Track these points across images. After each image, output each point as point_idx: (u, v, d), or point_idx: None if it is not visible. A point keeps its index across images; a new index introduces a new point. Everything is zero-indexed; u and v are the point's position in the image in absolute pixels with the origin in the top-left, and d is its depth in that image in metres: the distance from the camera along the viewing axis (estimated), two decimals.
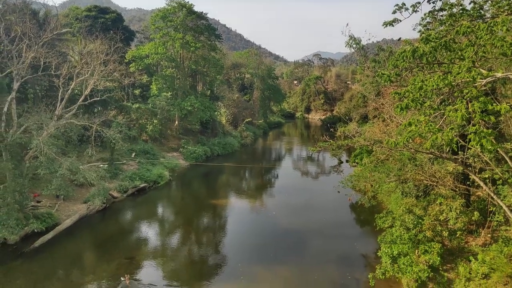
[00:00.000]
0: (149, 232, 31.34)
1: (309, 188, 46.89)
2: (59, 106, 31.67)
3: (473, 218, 21.54)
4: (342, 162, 58.05)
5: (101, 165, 41.13)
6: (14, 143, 27.32)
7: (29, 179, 29.07)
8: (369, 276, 20.05)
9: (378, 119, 44.23)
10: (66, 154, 31.98)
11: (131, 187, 40.22)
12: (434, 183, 23.28)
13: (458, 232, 21.53)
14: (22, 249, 25.58)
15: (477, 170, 20.41)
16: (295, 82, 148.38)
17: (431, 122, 9.85)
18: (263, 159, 67.26)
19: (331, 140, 23.97)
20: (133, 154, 48.90)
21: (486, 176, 19.84)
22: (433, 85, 10.19)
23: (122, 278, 22.16)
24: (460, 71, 9.97)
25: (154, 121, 55.25)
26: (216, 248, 28.08)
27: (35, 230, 27.77)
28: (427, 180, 23.50)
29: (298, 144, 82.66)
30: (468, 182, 22.94)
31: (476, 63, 11.11)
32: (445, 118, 12.05)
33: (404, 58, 11.54)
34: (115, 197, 37.90)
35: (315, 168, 60.85)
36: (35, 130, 28.40)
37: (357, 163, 48.09)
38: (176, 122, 62.61)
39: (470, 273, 18.48)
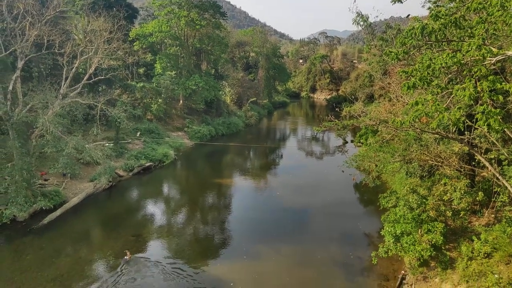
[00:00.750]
0: (155, 210, 31.79)
1: (313, 168, 47.02)
2: (64, 84, 31.62)
3: (477, 198, 21.54)
4: (347, 142, 57.92)
5: (107, 144, 41.42)
6: (20, 121, 27.48)
7: (36, 158, 29.38)
8: (372, 255, 20.32)
9: (384, 98, 43.80)
10: (72, 133, 32.19)
11: (137, 166, 40.57)
12: (439, 164, 23.20)
13: (462, 212, 21.60)
14: (31, 226, 26.12)
15: (483, 151, 20.27)
16: (301, 61, 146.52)
17: (438, 101, 9.71)
18: (268, 139, 67.24)
19: (336, 120, 23.82)
20: (138, 133, 49.09)
21: (492, 156, 19.72)
22: (442, 64, 9.99)
23: (125, 257, 22.71)
24: (469, 49, 9.74)
25: (159, 100, 55.13)
26: (220, 227, 28.47)
27: (43, 208, 28.28)
28: (432, 161, 23.41)
29: (303, 124, 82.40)
30: (473, 163, 22.84)
31: (486, 41, 10.85)
32: (453, 97, 11.89)
33: (413, 35, 11.28)
34: (121, 176, 38.30)
35: (319, 148, 60.81)
36: (40, 109, 28.48)
37: (362, 143, 47.96)
38: (181, 102, 62.45)
39: (473, 252, 18.64)
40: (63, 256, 22.69)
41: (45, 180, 32.65)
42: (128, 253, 22.60)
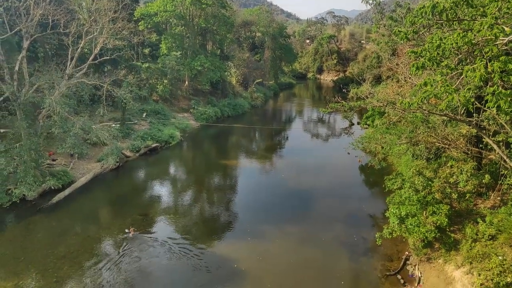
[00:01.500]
0: (161, 190, 32.15)
1: (319, 150, 46.99)
2: (70, 65, 31.56)
3: (483, 181, 21.48)
4: (353, 124, 57.60)
5: (113, 125, 41.60)
6: (27, 102, 27.62)
7: (43, 138, 29.63)
8: (376, 236, 20.47)
9: (392, 80, 43.23)
10: (78, 113, 32.30)
11: (143, 147, 40.82)
12: (446, 146, 23.06)
13: (468, 195, 21.58)
14: (40, 205, 26.60)
15: (491, 133, 20.06)
16: (307, 41, 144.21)
17: (448, 82, 9.54)
18: (274, 121, 67.05)
19: (343, 102, 23.63)
20: (144, 114, 49.17)
21: (500, 139, 19.51)
22: (452, 43, 9.77)
23: (126, 230, 23.42)
24: (481, 28, 9.49)
25: (164, 81, 54.92)
26: (226, 207, 28.78)
27: (52, 187, 28.72)
28: (439, 143, 23.26)
29: (309, 106, 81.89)
30: (481, 145, 22.65)
31: (499, 20, 10.55)
32: (462, 78, 11.67)
33: (423, 14, 11.00)
34: (128, 156, 38.61)
35: (325, 130, 60.58)
36: (47, 90, 28.55)
37: (368, 125, 47.69)
38: (186, 83, 62.18)
39: (477, 234, 18.71)
40: (72, 234, 23.17)
41: (53, 160, 33.03)
42: (131, 229, 23.12)
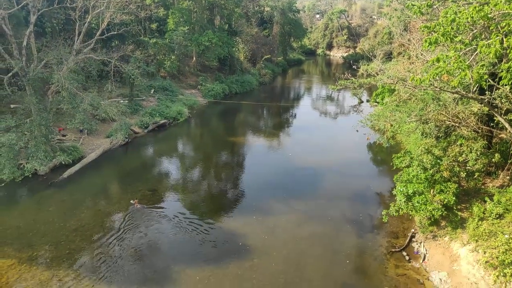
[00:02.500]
0: (170, 166, 32.50)
1: (327, 127, 46.77)
2: (77, 40, 31.39)
3: (493, 159, 21.26)
4: (362, 102, 56.98)
5: (121, 101, 41.73)
6: (36, 77, 27.71)
7: (53, 114, 29.89)
8: (382, 213, 20.58)
9: (403, 56, 42.36)
10: (87, 89, 32.40)
11: (152, 123, 41.01)
12: (456, 124, 22.71)
13: (476, 174, 21.44)
14: (52, 180, 27.13)
15: (503, 112, 19.69)
16: (317, 16, 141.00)
17: (461, 58, 9.29)
18: (282, 98, 66.57)
19: (352, 78, 23.26)
20: (152, 91, 49.14)
21: None
22: (467, 18, 9.44)
23: (131, 201, 23.98)
24: (498, 2, 9.14)
25: (172, 57, 54.47)
26: (233, 184, 29.05)
27: (63, 162, 29.17)
28: (449, 121, 22.92)
29: (318, 83, 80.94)
30: (492, 124, 22.30)
31: None
32: (476, 54, 11.37)
33: None
34: (136, 133, 38.89)
35: (334, 107, 60.06)
36: (55, 65, 28.57)
37: (377, 102, 47.11)
38: (194, 59, 61.64)
39: (484, 213, 18.68)
40: (83, 208, 23.68)
41: (63, 135, 33.43)
42: (136, 201, 23.72)
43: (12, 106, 33.69)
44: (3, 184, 25.70)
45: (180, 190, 27.16)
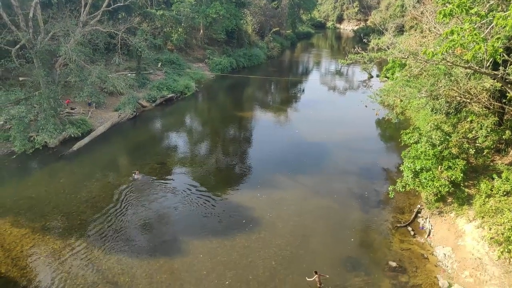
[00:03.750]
0: (177, 140, 32.69)
1: (336, 102, 46.31)
2: (83, 11, 30.97)
3: (503, 136, 20.96)
4: (372, 77, 56.06)
5: (129, 74, 41.60)
6: (43, 50, 27.62)
7: (61, 87, 29.94)
8: (389, 189, 20.64)
9: (416, 30, 41.23)
10: (94, 62, 32.26)
11: (159, 97, 40.98)
12: (468, 100, 22.30)
13: (486, 150, 21.23)
14: (62, 152, 27.54)
15: None
16: None
17: (476, 31, 8.99)
18: (290, 72, 65.74)
19: (363, 52, 22.76)
20: (159, 64, 48.78)
21: None
22: None
23: (133, 172, 24.57)
24: None
25: (179, 29, 53.70)
26: (240, 158, 29.20)
27: (72, 135, 29.49)
28: (460, 97, 22.49)
29: (327, 57, 79.58)
30: (504, 100, 21.83)
31: None
32: (492, 27, 11.00)
33: None
34: (144, 106, 38.96)
35: (343, 82, 59.26)
36: (62, 37, 28.38)
37: (387, 77, 46.33)
38: (201, 31, 60.67)
39: (492, 190, 18.62)
40: (93, 180, 24.10)
41: (72, 109, 33.63)
42: (137, 172, 24.39)
43: (20, 78, 33.81)
44: (14, 156, 26.20)
45: (188, 164, 27.42)
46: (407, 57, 20.19)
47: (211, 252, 17.63)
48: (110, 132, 32.30)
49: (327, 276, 15.85)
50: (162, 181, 24.31)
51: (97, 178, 24.52)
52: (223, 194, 22.90)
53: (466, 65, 17.24)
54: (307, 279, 15.78)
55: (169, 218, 20.39)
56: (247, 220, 20.17)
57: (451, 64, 17.98)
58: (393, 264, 17.13)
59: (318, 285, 15.51)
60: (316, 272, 15.62)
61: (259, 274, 16.32)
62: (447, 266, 16.88)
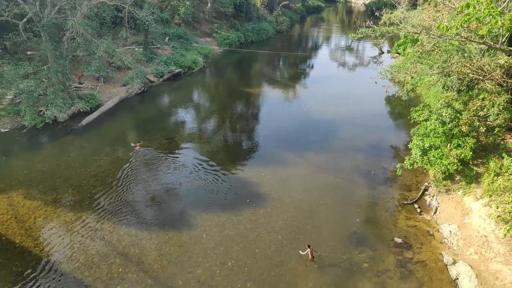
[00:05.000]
0: (185, 116, 32.72)
1: (345, 79, 45.67)
2: None
3: None
4: (383, 53, 54.99)
5: (136, 49, 41.27)
6: (50, 23, 27.40)
7: (69, 61, 29.89)
8: (396, 166, 20.62)
9: (429, 4, 39.91)
10: (101, 36, 32.01)
11: (167, 72, 40.76)
12: (480, 77, 21.80)
13: (497, 129, 20.94)
14: (71, 127, 27.79)
15: None
16: None
17: (493, 4, 8.68)
18: (299, 47, 64.64)
19: (374, 26, 22.22)
20: (167, 38, 48.25)
21: None
22: None
23: (132, 144, 24.94)
24: None
25: (186, 2, 52.72)
26: (248, 134, 29.22)
27: (81, 110, 29.68)
28: (473, 74, 21.99)
29: (338, 32, 77.91)
30: None
31: None
32: (510, 1, 10.60)
33: None
34: (152, 82, 38.85)
35: (353, 58, 58.20)
36: (69, 10, 28.07)
37: (399, 53, 45.40)
38: (209, 5, 59.53)
39: (501, 169, 18.48)
40: (102, 155, 24.39)
41: (80, 83, 33.67)
42: (138, 144, 24.76)
43: (29, 52, 33.78)
44: (25, 130, 26.53)
45: (195, 139, 27.54)
46: (420, 32, 19.70)
47: (218, 226, 17.96)
48: (119, 107, 32.41)
49: (319, 252, 16.23)
50: (171, 156, 24.52)
51: (106, 152, 24.79)
52: (231, 170, 23.08)
53: (480, 41, 16.77)
54: (300, 253, 16.22)
55: (177, 193, 20.70)
56: (254, 196, 20.40)
57: (465, 40, 17.52)
58: (399, 240, 17.32)
59: (310, 258, 15.99)
60: (309, 246, 16.08)
61: (265, 248, 16.65)
62: (452, 243, 17.02)
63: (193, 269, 15.47)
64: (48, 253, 16.09)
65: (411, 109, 23.65)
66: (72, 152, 24.71)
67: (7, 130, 27.11)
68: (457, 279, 15.09)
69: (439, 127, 20.42)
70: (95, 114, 29.93)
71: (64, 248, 16.34)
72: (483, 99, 22.03)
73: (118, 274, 15.08)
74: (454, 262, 15.71)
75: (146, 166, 23.12)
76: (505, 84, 21.68)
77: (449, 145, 20.07)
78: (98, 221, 18.05)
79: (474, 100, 22.69)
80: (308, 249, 15.93)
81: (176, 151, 25.37)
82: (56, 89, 27.67)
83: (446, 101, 21.58)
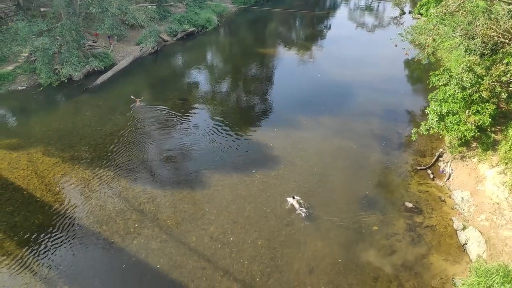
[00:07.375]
0: (199, 76, 32.47)
1: (364, 40, 44.16)
2: None
3: None
4: (404, 13, 52.67)
5: (149, 6, 40.41)
6: None
7: (82, 18, 29.51)
8: (412, 131, 20.33)
9: None
10: None
11: (180, 31, 40.06)
12: (507, 40, 20.77)
13: None
14: (86, 86, 27.97)
15: None
16: None
17: None
18: (316, 6, 62.23)
19: None
20: None
21: None
22: None
23: (132, 97, 25.49)
24: None
25: None
26: (262, 97, 28.94)
27: (95, 69, 29.70)
28: (498, 37, 20.93)
29: None
30: None
31: None
32: None
33: None
34: (166, 41, 38.33)
35: (372, 19, 55.93)
36: None
37: (421, 14, 43.43)
38: None
39: None
40: (117, 113, 24.64)
41: (94, 42, 33.44)
42: (137, 100, 25.27)
43: (42, 9, 33.41)
44: (41, 88, 26.81)
45: (209, 101, 27.46)
46: None
47: (231, 186, 18.30)
48: (132, 67, 32.28)
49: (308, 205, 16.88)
50: (184, 116, 24.61)
51: (121, 111, 25.01)
52: (244, 132, 23.13)
53: (509, 0, 15.82)
54: (286, 208, 16.93)
55: (191, 153, 20.97)
56: (266, 158, 20.55)
57: (492, 0, 16.53)
58: (409, 204, 17.43)
59: (297, 208, 16.76)
60: (293, 197, 16.93)
61: (276, 208, 16.99)
62: (464, 209, 17.05)
63: (206, 226, 15.97)
64: (67, 208, 16.76)
65: (431, 73, 22.92)
66: (88, 111, 25.01)
67: (24, 87, 27.47)
68: (466, 244, 15.26)
69: (458, 92, 19.82)
70: (109, 73, 29.94)
71: (82, 203, 16.98)
72: (507, 64, 21.13)
73: (135, 229, 15.70)
74: (464, 228, 15.82)
75: (162, 126, 23.33)
76: None
77: (467, 111, 19.57)
78: (114, 178, 18.57)
79: (498, 65, 21.78)
80: (293, 200, 16.82)
81: (190, 111, 25.43)
82: (70, 47, 27.57)
83: (468, 65, 20.77)
